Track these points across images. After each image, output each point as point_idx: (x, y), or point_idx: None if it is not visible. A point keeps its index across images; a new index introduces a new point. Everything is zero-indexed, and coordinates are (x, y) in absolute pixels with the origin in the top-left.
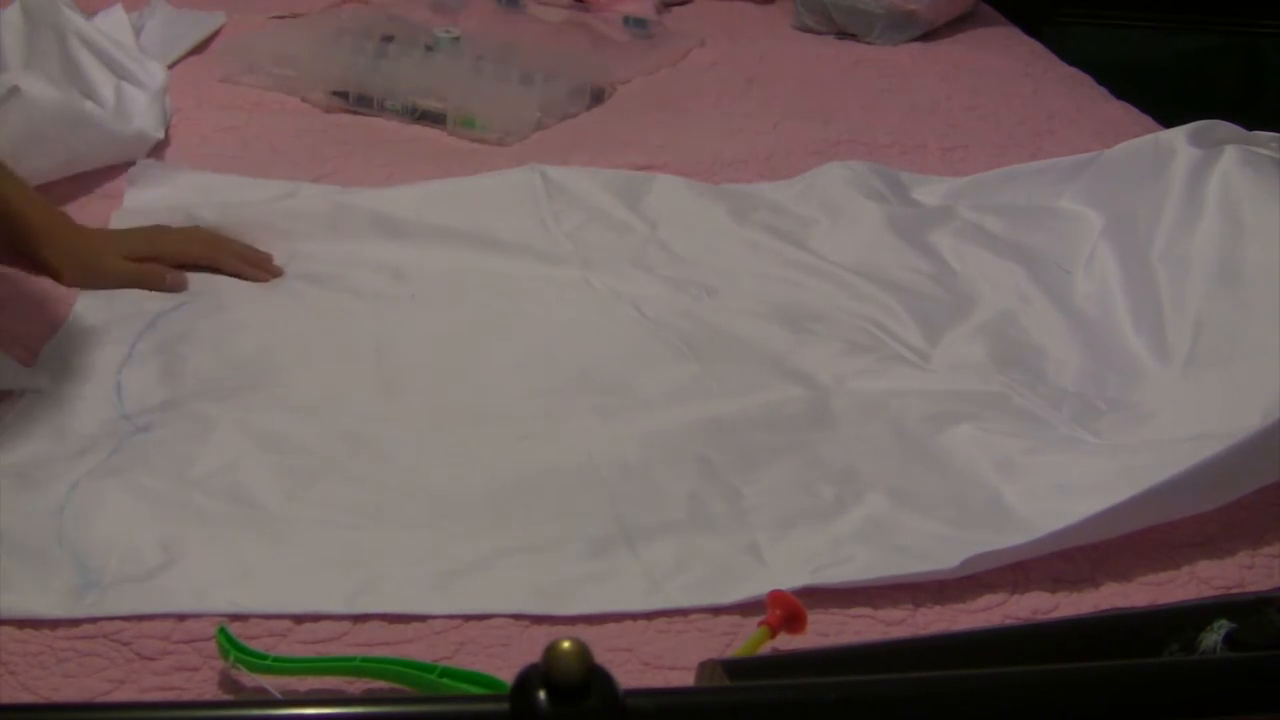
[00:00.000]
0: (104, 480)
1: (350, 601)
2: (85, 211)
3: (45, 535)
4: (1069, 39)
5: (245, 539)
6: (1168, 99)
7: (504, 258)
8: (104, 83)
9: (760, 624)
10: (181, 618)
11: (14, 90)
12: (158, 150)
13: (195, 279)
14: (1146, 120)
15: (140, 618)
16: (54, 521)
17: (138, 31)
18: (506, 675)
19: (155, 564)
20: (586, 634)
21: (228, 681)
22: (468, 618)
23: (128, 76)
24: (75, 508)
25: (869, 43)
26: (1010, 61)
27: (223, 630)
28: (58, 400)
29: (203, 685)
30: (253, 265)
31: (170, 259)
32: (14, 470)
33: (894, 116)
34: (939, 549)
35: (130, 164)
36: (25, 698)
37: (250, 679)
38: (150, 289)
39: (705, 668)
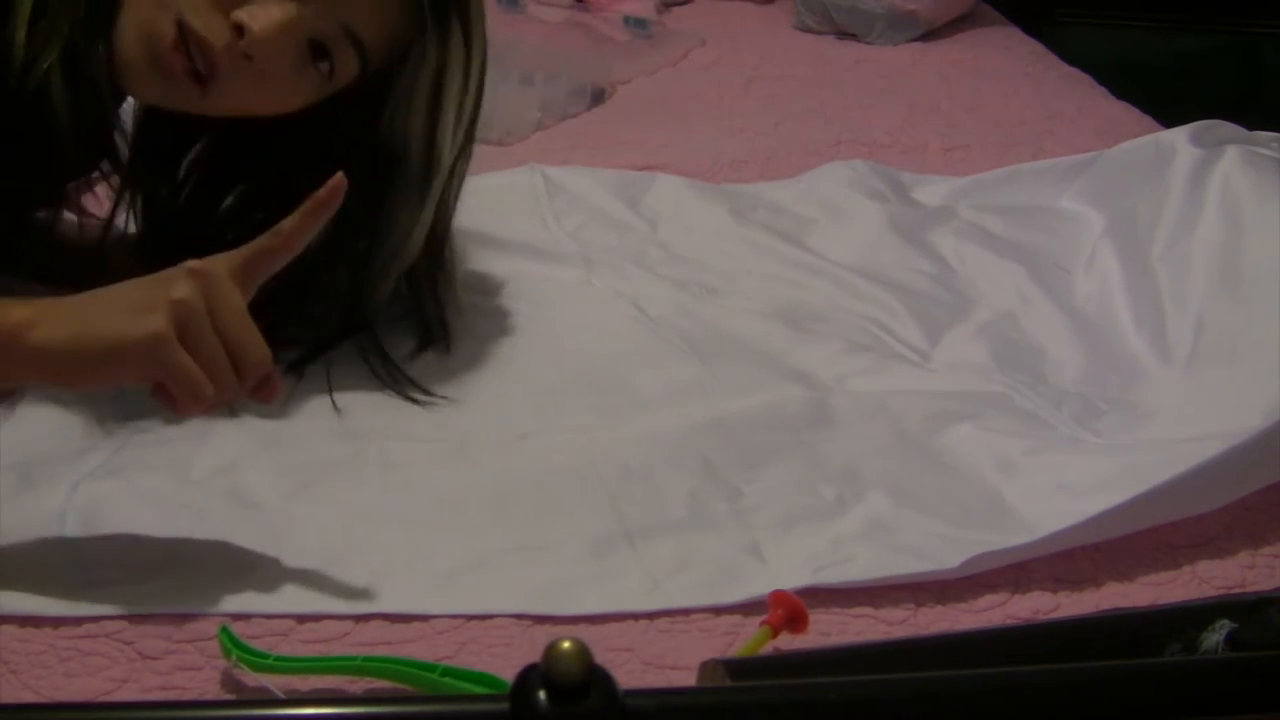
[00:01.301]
0: (106, 481)
1: (352, 602)
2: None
3: (47, 535)
4: (1069, 39)
5: (246, 539)
6: (1168, 99)
7: (505, 257)
8: None
9: (762, 624)
10: (183, 617)
11: None
12: None
13: None
14: (1146, 120)
15: (142, 617)
16: (56, 522)
17: None
18: (509, 675)
19: (156, 564)
20: (588, 634)
21: (230, 681)
22: (470, 617)
23: None
24: (77, 508)
25: (869, 43)
26: (1010, 61)
27: (225, 629)
28: (60, 401)
29: (205, 684)
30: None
31: None
32: (16, 470)
33: (894, 116)
34: (940, 549)
35: None
36: (27, 697)
37: (252, 678)
38: None
39: (707, 668)
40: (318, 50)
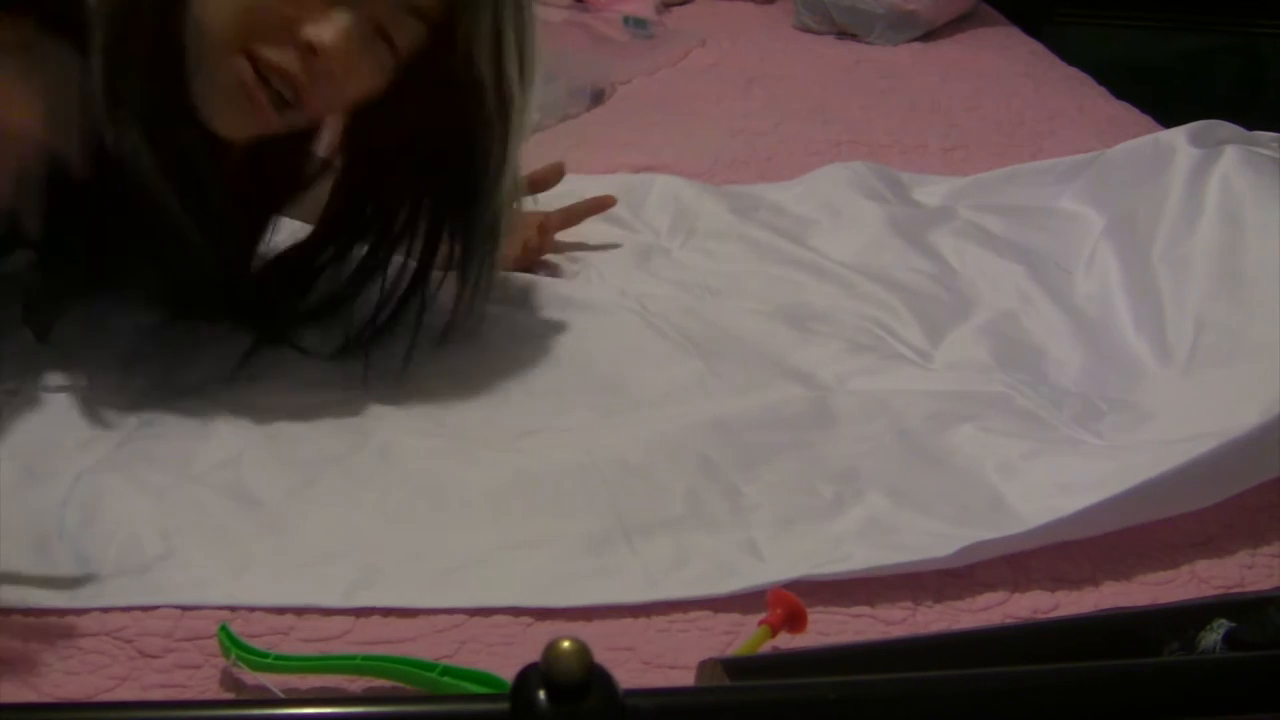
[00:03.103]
0: (108, 474)
1: (349, 596)
2: None
3: (47, 527)
4: (1069, 39)
5: (246, 532)
6: (1168, 99)
7: None
8: None
9: (761, 623)
10: (184, 611)
11: None
12: None
13: None
14: (1146, 120)
15: (144, 609)
16: (56, 514)
17: None
18: (509, 673)
19: (155, 556)
20: (587, 632)
21: (229, 679)
22: (470, 614)
23: None
24: (78, 500)
25: (869, 43)
26: (1010, 61)
27: (224, 628)
28: (63, 393)
29: (204, 683)
30: None
31: None
32: (18, 462)
33: (894, 116)
34: (939, 548)
35: None
36: (27, 695)
37: (251, 677)
38: None
39: (705, 667)
40: (382, 32)
